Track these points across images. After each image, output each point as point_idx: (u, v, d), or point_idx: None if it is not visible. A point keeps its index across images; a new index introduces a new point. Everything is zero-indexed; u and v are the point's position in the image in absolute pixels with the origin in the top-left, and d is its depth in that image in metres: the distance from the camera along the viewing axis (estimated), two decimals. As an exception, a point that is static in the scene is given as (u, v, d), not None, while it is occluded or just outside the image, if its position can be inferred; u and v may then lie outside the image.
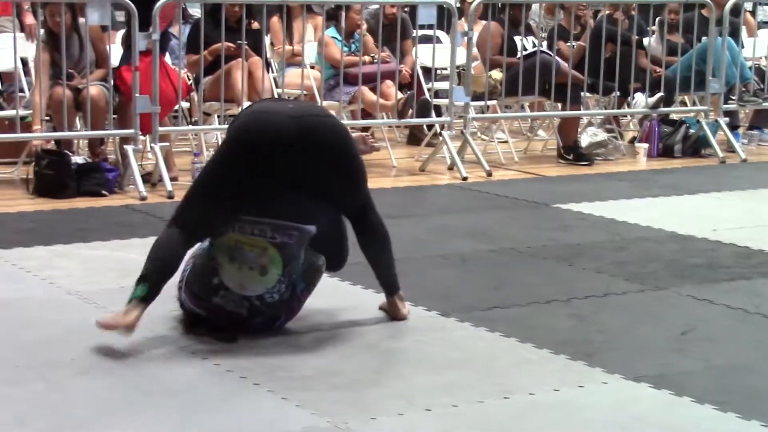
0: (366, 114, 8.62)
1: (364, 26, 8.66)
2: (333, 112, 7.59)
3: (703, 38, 9.42)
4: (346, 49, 8.49)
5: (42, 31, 7.39)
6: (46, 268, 5.11)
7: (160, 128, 7.40)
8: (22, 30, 8.29)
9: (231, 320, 4.12)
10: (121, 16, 7.91)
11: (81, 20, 7.29)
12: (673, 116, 9.43)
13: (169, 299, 4.24)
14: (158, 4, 7.44)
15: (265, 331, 4.17)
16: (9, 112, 7.25)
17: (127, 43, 7.33)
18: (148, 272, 4.02)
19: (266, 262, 4.10)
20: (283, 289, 4.13)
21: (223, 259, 4.11)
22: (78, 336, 4.06)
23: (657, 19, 9.89)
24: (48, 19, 7.29)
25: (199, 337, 4.11)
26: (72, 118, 7.34)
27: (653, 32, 9.84)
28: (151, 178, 7.30)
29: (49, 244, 5.57)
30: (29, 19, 8.43)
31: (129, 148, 7.14)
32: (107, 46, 7.45)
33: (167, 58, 7.96)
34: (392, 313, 4.41)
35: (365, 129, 8.89)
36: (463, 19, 9.42)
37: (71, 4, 7.23)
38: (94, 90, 7.24)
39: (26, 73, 7.54)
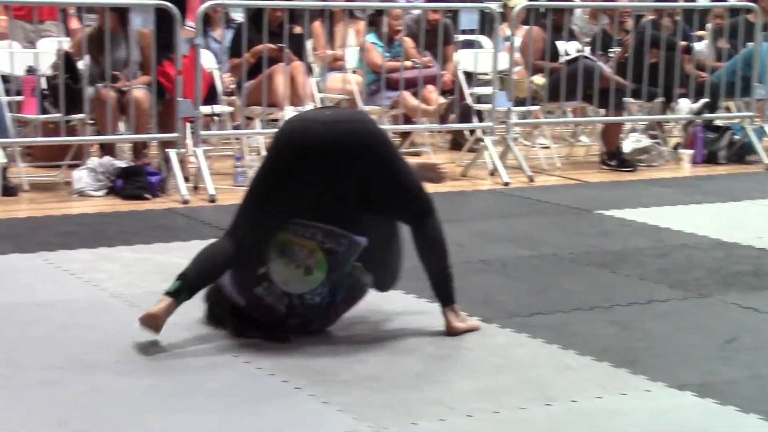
0: (407, 119, 8.62)
1: (403, 32, 8.64)
2: (374, 117, 7.63)
3: (749, 43, 9.35)
4: (387, 54, 8.49)
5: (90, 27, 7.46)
6: (90, 270, 5.14)
7: (203, 132, 7.44)
8: (68, 35, 8.36)
9: (268, 314, 4.14)
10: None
11: None
12: (718, 122, 9.36)
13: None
14: (201, 7, 7.49)
15: (301, 333, 4.18)
16: (54, 116, 7.30)
17: (159, 41, 7.34)
18: (186, 270, 4.07)
19: (312, 264, 4.12)
20: (324, 293, 4.14)
21: (273, 252, 4.14)
22: (120, 338, 4.09)
23: (708, 25, 9.82)
24: (99, 19, 7.36)
25: (241, 339, 4.12)
26: (116, 121, 7.40)
27: (700, 38, 9.76)
28: (194, 181, 7.34)
29: (92, 246, 5.61)
30: (74, 23, 8.50)
31: (172, 152, 7.18)
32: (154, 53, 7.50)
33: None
34: (446, 326, 4.31)
35: (406, 134, 8.90)
36: (505, 23, 9.40)
37: (121, 8, 7.28)
38: (139, 92, 7.29)
39: (73, 78, 7.49)
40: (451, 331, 4.28)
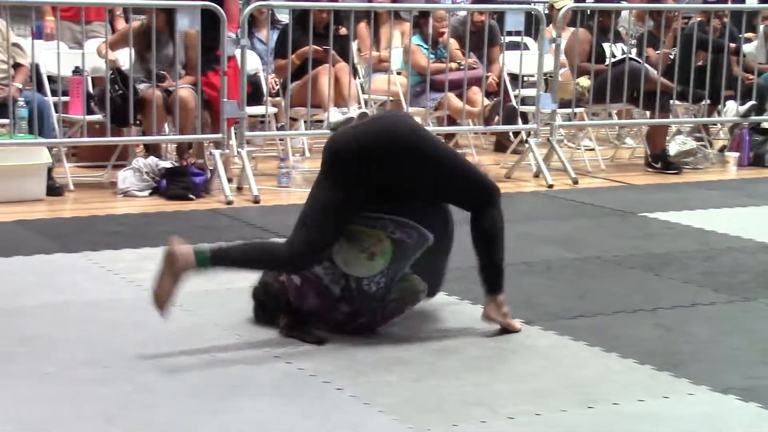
0: (452, 121, 8.61)
1: (448, 34, 8.62)
2: (419, 118, 7.63)
3: (798, 45, 9.27)
4: (432, 56, 8.49)
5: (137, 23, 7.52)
6: (134, 270, 5.18)
7: (248, 133, 7.47)
8: (114, 35, 8.43)
9: (320, 298, 4.15)
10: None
11: None
12: (765, 125, 9.26)
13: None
14: (248, 9, 7.53)
15: (347, 328, 4.20)
16: (99, 116, 7.36)
17: (204, 46, 7.35)
18: (225, 245, 4.10)
19: (377, 251, 4.14)
20: (381, 284, 4.15)
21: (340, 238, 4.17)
22: (165, 338, 4.12)
23: (761, 27, 9.73)
24: (147, 19, 7.43)
25: (283, 340, 4.14)
26: (161, 121, 7.45)
27: (748, 39, 9.67)
28: (238, 181, 7.37)
29: (136, 246, 5.65)
30: (121, 24, 8.57)
31: (216, 153, 7.22)
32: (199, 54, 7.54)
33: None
34: (482, 313, 4.32)
35: (451, 135, 8.90)
36: (551, 25, 9.36)
37: (169, 9, 7.34)
38: (185, 91, 7.34)
39: (121, 79, 7.52)
40: (484, 318, 4.29)
